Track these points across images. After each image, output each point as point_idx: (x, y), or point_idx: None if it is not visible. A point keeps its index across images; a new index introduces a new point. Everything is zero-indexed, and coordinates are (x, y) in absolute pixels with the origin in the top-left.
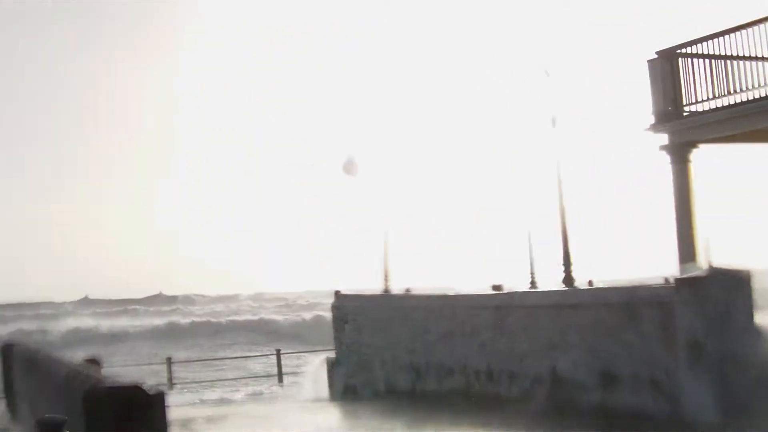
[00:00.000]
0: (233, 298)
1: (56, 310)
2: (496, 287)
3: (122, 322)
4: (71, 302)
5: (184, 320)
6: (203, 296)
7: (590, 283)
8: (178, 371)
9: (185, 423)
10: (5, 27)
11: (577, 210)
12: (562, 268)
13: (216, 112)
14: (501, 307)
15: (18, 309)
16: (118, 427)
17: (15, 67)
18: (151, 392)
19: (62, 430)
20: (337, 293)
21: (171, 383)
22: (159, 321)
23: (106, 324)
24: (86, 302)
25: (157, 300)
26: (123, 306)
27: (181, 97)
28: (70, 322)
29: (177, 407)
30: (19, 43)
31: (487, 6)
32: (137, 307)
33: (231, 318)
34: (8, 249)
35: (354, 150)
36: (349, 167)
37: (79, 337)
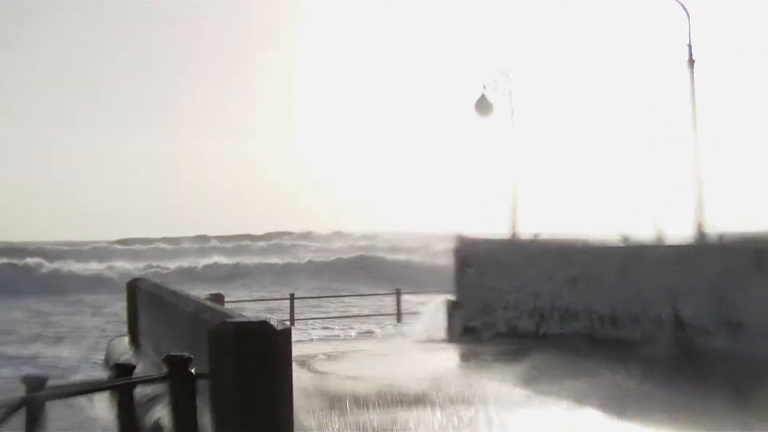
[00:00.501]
0: (347, 236)
1: (175, 245)
2: (623, 235)
3: (240, 259)
4: (187, 237)
5: (301, 257)
6: (318, 234)
7: (717, 231)
8: (297, 307)
9: (306, 359)
10: None
11: (711, 156)
12: (693, 215)
13: (347, 45)
14: (627, 254)
15: (138, 244)
16: (245, 362)
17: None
18: (279, 328)
19: (189, 367)
20: (460, 236)
21: (293, 319)
22: (277, 258)
23: (224, 260)
24: (203, 239)
25: (273, 236)
26: (239, 242)
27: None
28: (190, 259)
29: (298, 343)
30: None
31: None
32: (255, 243)
33: (346, 256)
34: (132, 186)
35: (489, 89)
36: (482, 106)
37: (198, 272)
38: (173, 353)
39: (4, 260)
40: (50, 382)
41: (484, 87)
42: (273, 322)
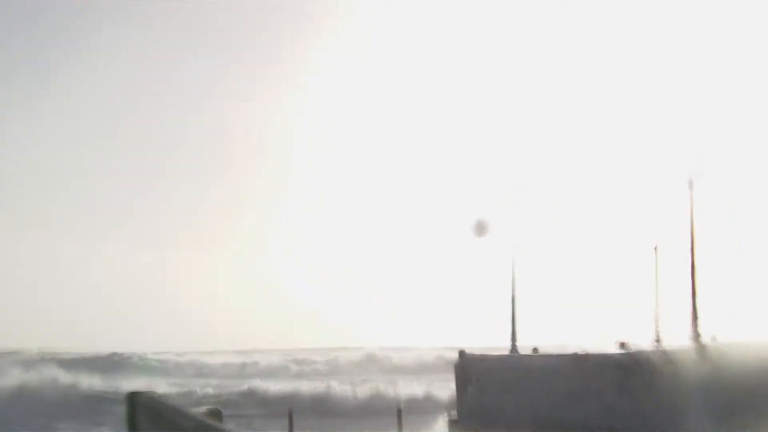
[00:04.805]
0: (342, 350)
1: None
2: (622, 344)
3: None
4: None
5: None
6: (316, 349)
7: (714, 339)
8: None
9: None
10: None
11: (710, 267)
12: (690, 323)
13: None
14: (625, 367)
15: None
16: None
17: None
18: None
19: None
20: (461, 353)
21: None
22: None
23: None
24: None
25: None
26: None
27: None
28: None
29: None
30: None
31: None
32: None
33: (347, 375)
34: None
35: (485, 211)
36: (479, 228)
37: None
38: None
39: None
40: None
41: (482, 209)
42: None
